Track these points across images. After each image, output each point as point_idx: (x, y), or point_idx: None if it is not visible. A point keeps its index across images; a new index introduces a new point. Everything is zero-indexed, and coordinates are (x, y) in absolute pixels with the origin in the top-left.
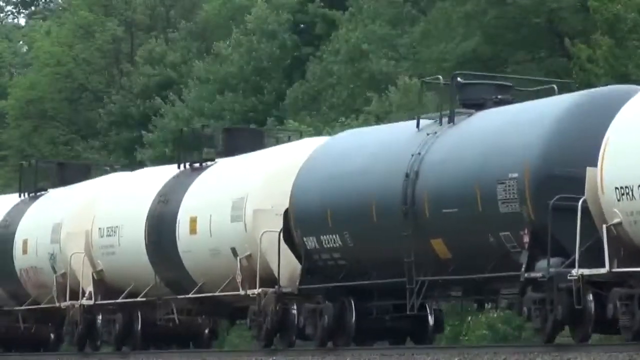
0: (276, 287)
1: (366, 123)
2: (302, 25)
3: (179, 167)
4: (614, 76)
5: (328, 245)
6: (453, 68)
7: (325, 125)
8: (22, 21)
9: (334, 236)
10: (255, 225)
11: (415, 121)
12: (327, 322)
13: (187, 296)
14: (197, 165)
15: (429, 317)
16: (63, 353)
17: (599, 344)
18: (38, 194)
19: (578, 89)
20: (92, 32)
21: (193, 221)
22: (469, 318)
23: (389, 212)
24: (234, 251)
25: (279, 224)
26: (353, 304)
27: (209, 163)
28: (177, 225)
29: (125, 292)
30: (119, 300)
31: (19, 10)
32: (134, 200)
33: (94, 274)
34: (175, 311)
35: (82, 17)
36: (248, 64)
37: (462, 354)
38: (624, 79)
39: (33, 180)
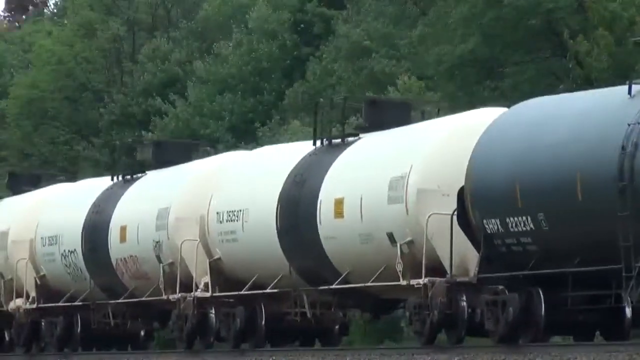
0: (447, 276)
1: None
2: (301, 25)
3: (314, 144)
4: (616, 69)
5: (515, 229)
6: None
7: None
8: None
9: (523, 218)
10: (420, 208)
11: (624, 87)
12: (512, 315)
13: (330, 287)
14: (337, 141)
15: (627, 309)
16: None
17: (599, 343)
18: (134, 176)
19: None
20: (93, 31)
21: (339, 203)
22: None
23: (600, 190)
24: (390, 237)
25: (447, 206)
26: (542, 295)
27: (351, 139)
28: (318, 207)
29: (249, 283)
30: (242, 292)
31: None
32: (262, 181)
33: (210, 263)
34: (307, 304)
35: (84, 16)
36: (247, 65)
37: (462, 354)
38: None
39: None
